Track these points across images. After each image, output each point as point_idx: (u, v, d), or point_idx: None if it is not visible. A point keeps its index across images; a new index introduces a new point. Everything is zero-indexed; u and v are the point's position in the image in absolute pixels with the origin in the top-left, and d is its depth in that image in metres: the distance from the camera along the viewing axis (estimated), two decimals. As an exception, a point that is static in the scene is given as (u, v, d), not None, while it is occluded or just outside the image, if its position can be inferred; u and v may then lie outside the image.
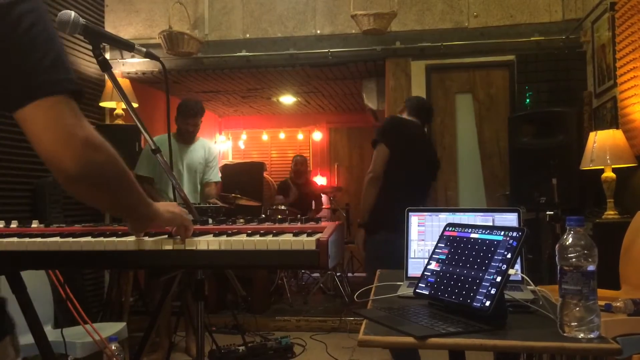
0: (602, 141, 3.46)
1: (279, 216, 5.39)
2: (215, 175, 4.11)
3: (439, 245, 1.52)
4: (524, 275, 1.51)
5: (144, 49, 1.72)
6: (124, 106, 4.76)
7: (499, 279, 1.28)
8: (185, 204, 1.88)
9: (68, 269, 3.46)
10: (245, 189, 6.00)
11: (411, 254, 1.87)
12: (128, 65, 5.20)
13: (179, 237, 1.29)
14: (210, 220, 1.53)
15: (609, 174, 3.48)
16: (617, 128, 3.57)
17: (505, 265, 1.29)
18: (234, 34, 5.08)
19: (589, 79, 4.39)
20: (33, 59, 0.98)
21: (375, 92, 5.75)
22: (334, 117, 8.75)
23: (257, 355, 3.85)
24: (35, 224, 1.53)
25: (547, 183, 3.63)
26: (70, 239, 1.33)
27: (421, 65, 4.89)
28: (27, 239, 1.36)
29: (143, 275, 4.39)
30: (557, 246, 1.18)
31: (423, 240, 1.86)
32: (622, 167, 3.47)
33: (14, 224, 1.54)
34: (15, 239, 1.37)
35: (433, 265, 1.48)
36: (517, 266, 1.62)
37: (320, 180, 8.53)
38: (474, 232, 1.44)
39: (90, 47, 1.56)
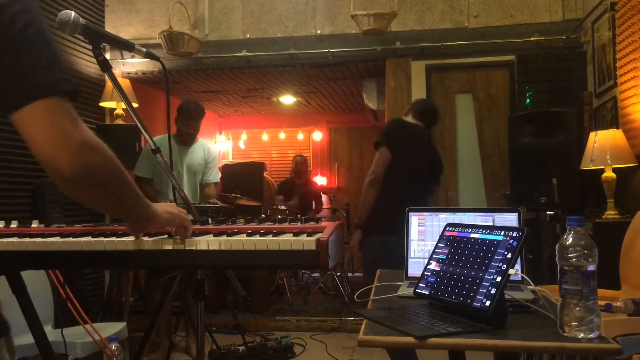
0: (602, 141, 3.46)
1: (279, 216, 5.39)
2: (215, 176, 4.11)
3: (439, 245, 1.52)
4: (524, 275, 1.51)
5: (144, 49, 1.72)
6: (124, 106, 4.76)
7: (499, 278, 1.28)
8: (185, 204, 1.89)
9: (68, 269, 3.45)
10: (245, 189, 6.00)
11: (411, 254, 1.87)
12: (128, 65, 5.20)
13: (178, 237, 1.29)
14: (210, 220, 1.53)
15: (609, 174, 3.47)
16: (617, 128, 3.57)
17: (505, 265, 1.29)
18: (234, 34, 5.08)
19: (589, 79, 4.39)
20: (28, 60, 0.97)
21: (375, 92, 5.75)
22: (334, 117, 8.75)
23: (257, 355, 3.85)
24: (35, 224, 1.53)
25: (547, 183, 3.63)
26: (71, 239, 1.33)
27: (421, 65, 4.89)
28: (27, 239, 1.36)
29: (143, 275, 4.39)
30: (557, 246, 1.18)
31: (423, 240, 1.86)
32: (622, 167, 3.47)
33: (14, 224, 1.54)
34: (15, 239, 1.37)
35: (433, 265, 1.48)
36: (517, 266, 1.62)
37: (320, 180, 8.53)
38: (474, 232, 1.44)
39: (90, 47, 1.56)
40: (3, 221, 1.55)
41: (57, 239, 1.34)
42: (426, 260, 1.53)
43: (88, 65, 4.84)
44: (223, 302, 5.30)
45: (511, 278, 1.32)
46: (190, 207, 1.85)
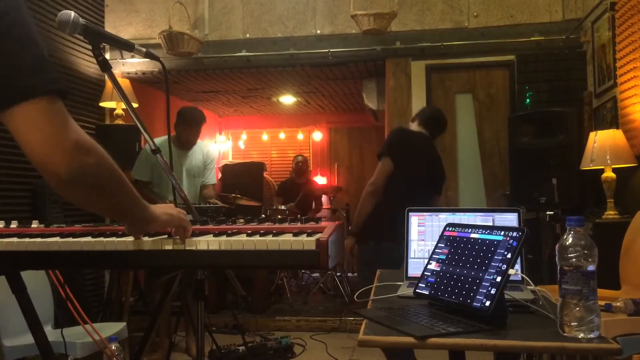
0: (602, 141, 3.46)
1: (279, 216, 5.39)
2: (213, 178, 4.12)
3: (439, 245, 1.52)
4: (524, 275, 1.51)
5: (144, 49, 1.72)
6: (124, 106, 4.76)
7: (499, 279, 1.28)
8: (185, 205, 1.89)
9: (68, 269, 3.45)
10: (245, 189, 6.00)
11: (411, 254, 1.87)
12: (128, 65, 5.20)
13: (178, 237, 1.29)
14: (209, 220, 1.53)
15: (609, 174, 3.47)
16: (617, 128, 3.57)
17: (505, 265, 1.29)
18: (234, 34, 5.08)
19: (589, 79, 4.39)
20: (14, 61, 0.96)
21: (375, 92, 5.75)
22: (334, 117, 8.75)
23: (257, 355, 3.85)
24: (35, 224, 1.53)
25: (547, 183, 3.63)
26: (70, 239, 1.33)
27: (421, 65, 4.89)
28: (27, 239, 1.36)
29: (143, 275, 4.39)
30: (557, 246, 1.18)
31: (423, 240, 1.86)
32: (622, 167, 3.47)
33: (14, 224, 1.54)
34: (15, 239, 1.37)
35: (433, 265, 1.48)
36: (517, 266, 1.62)
37: (320, 180, 8.53)
38: (474, 232, 1.44)
39: (90, 47, 1.56)
40: (3, 221, 1.55)
41: (57, 239, 1.34)
42: (426, 261, 1.53)
43: (88, 65, 4.84)
44: (223, 302, 5.30)
45: (511, 278, 1.32)
46: (190, 208, 1.85)
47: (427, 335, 1.16)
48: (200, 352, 1.95)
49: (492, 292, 1.26)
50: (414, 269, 1.82)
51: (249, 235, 1.29)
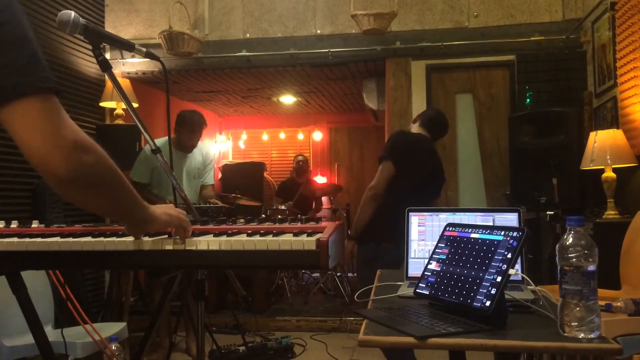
0: (602, 141, 3.46)
1: (279, 216, 5.39)
2: (211, 178, 4.13)
3: (439, 245, 1.52)
4: (524, 275, 1.51)
5: (144, 49, 1.72)
6: (124, 106, 4.76)
7: (499, 278, 1.28)
8: (186, 205, 1.89)
9: (68, 269, 3.45)
10: (245, 189, 6.01)
11: (411, 254, 1.87)
12: (128, 65, 5.20)
13: (178, 237, 1.29)
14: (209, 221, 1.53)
15: (609, 173, 3.47)
16: (618, 128, 3.57)
17: (505, 265, 1.29)
18: (234, 34, 5.08)
19: (589, 79, 4.39)
20: (6, 59, 0.95)
21: (375, 92, 5.75)
22: (334, 117, 8.75)
23: (257, 355, 3.85)
24: (35, 224, 1.53)
25: (547, 183, 3.63)
26: (71, 239, 1.33)
27: (421, 65, 4.89)
28: (27, 239, 1.36)
29: (143, 275, 4.39)
30: (557, 246, 1.18)
31: (423, 240, 1.86)
32: (623, 167, 3.47)
33: (14, 224, 1.54)
34: (15, 239, 1.37)
35: (433, 265, 1.48)
36: (518, 266, 1.62)
37: (320, 180, 8.52)
38: (474, 232, 1.44)
39: (90, 47, 1.56)
40: (3, 221, 1.55)
41: (57, 239, 1.34)
42: (426, 260, 1.53)
43: (88, 65, 4.84)
44: (223, 302, 5.31)
45: (511, 278, 1.31)
46: (190, 208, 1.85)
47: (428, 335, 1.16)
48: (200, 352, 1.95)
49: (493, 292, 1.26)
50: (414, 269, 1.82)
51: (249, 235, 1.29)
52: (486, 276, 1.31)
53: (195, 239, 1.28)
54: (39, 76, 0.98)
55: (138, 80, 5.48)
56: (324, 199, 7.25)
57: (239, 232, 1.32)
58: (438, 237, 1.55)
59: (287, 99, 7.40)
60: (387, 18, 4.46)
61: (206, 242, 1.26)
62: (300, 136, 8.89)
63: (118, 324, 3.21)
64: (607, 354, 1.12)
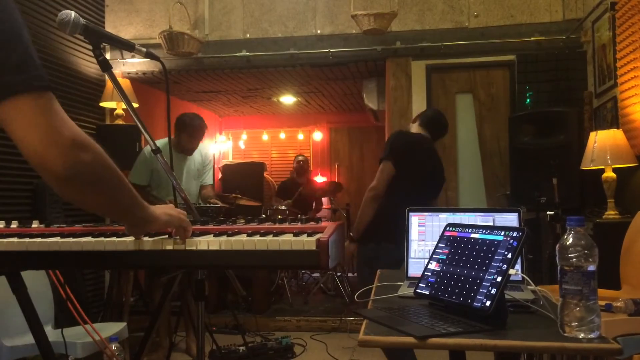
0: (602, 141, 3.46)
1: (279, 216, 5.39)
2: (211, 178, 4.13)
3: (439, 245, 1.52)
4: (524, 275, 1.51)
5: (144, 49, 1.72)
6: (124, 106, 4.76)
7: (499, 279, 1.28)
8: (186, 205, 1.89)
9: (68, 269, 3.45)
10: (245, 189, 6.01)
11: (411, 254, 1.87)
12: (128, 65, 5.20)
13: (178, 237, 1.29)
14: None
15: (609, 173, 3.47)
16: (618, 128, 3.57)
17: (505, 265, 1.29)
18: (234, 34, 5.08)
19: (590, 79, 4.39)
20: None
21: (375, 92, 5.74)
22: (334, 117, 8.75)
23: (257, 356, 3.85)
24: (35, 224, 1.53)
25: (547, 183, 3.63)
26: (71, 239, 1.33)
27: (421, 65, 4.88)
28: (27, 239, 1.36)
29: (143, 275, 4.39)
30: (557, 246, 1.18)
31: (423, 240, 1.86)
32: (623, 167, 3.47)
33: (14, 224, 1.54)
34: (15, 239, 1.37)
35: (433, 265, 1.48)
36: (518, 266, 1.62)
37: (320, 180, 8.52)
38: (475, 232, 1.44)
39: (90, 47, 1.56)
40: (3, 221, 1.55)
41: (58, 239, 1.34)
42: (426, 261, 1.53)
43: (88, 65, 4.84)
44: (223, 302, 5.31)
45: (511, 278, 1.31)
46: (190, 208, 1.85)
47: (428, 335, 1.16)
48: (200, 352, 1.95)
49: (493, 292, 1.26)
50: (414, 269, 1.82)
51: (249, 235, 1.29)
52: (486, 276, 1.31)
53: (195, 239, 1.28)
54: (32, 74, 0.97)
55: (138, 80, 5.48)
56: (324, 199, 7.25)
57: (239, 232, 1.32)
58: (438, 237, 1.55)
59: (287, 99, 7.40)
60: (387, 18, 4.46)
61: (206, 242, 1.26)
62: (301, 136, 8.89)
63: (118, 324, 3.20)
64: (607, 354, 1.12)
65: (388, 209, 2.94)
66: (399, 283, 1.76)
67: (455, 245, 1.47)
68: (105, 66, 1.59)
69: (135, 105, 4.26)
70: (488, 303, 1.25)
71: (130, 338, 3.32)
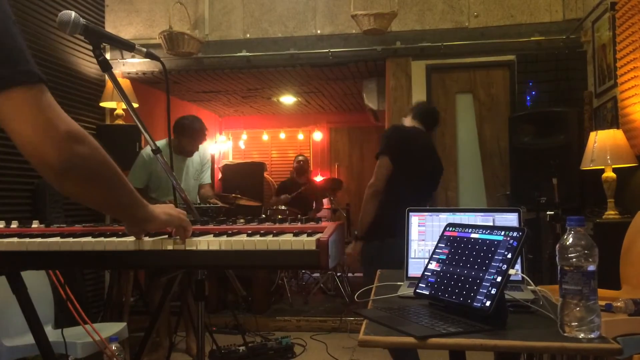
0: (602, 141, 3.46)
1: (279, 216, 5.39)
2: (209, 177, 4.14)
3: (439, 245, 1.52)
4: (524, 275, 1.51)
5: (144, 49, 1.72)
6: (124, 106, 4.76)
7: (499, 279, 1.28)
8: (186, 205, 1.89)
9: (68, 269, 3.45)
10: (245, 189, 6.01)
11: (411, 254, 1.87)
12: (128, 66, 5.20)
13: (178, 237, 1.29)
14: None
15: (609, 173, 3.47)
16: (618, 128, 3.57)
17: (505, 265, 1.29)
18: (234, 34, 5.08)
19: (590, 79, 4.39)
20: None
21: (375, 92, 5.74)
22: (334, 117, 8.75)
23: (257, 356, 3.85)
24: (35, 224, 1.53)
25: (547, 183, 3.63)
26: (71, 239, 1.33)
27: (421, 65, 4.88)
28: (27, 239, 1.36)
29: (143, 275, 4.39)
30: (557, 246, 1.18)
31: (423, 240, 1.86)
32: (623, 167, 3.47)
33: (14, 224, 1.54)
34: (15, 239, 1.37)
35: (433, 265, 1.48)
36: (518, 266, 1.62)
37: (320, 179, 8.52)
38: (475, 232, 1.44)
39: (90, 47, 1.56)
40: (3, 221, 1.55)
41: (58, 239, 1.34)
42: (426, 261, 1.53)
43: (88, 65, 4.84)
44: (223, 302, 5.31)
45: (511, 278, 1.31)
46: (190, 208, 1.85)
47: (428, 335, 1.16)
48: (200, 352, 1.95)
49: (493, 292, 1.26)
50: (415, 269, 1.82)
51: (249, 235, 1.29)
52: (486, 276, 1.31)
53: (195, 239, 1.28)
54: (23, 68, 0.97)
55: (138, 81, 5.48)
56: (324, 199, 7.25)
57: (239, 232, 1.32)
58: (438, 237, 1.55)
59: (287, 99, 7.40)
60: (387, 18, 4.46)
61: (206, 242, 1.26)
62: (301, 136, 8.89)
63: (118, 324, 3.21)
64: (607, 354, 1.12)
65: (389, 205, 2.95)
66: (399, 283, 1.76)
67: (455, 245, 1.47)
68: (105, 66, 1.59)
69: (135, 105, 4.26)
70: (488, 303, 1.25)
71: (130, 338, 3.32)
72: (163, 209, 1.28)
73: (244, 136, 9.02)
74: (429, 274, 1.47)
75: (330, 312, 5.23)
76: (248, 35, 5.06)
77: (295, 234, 1.26)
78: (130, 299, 4.23)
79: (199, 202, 3.92)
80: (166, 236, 1.31)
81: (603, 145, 3.45)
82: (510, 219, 1.79)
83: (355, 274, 6.67)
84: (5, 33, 0.97)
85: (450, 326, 1.23)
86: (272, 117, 8.86)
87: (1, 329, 2.62)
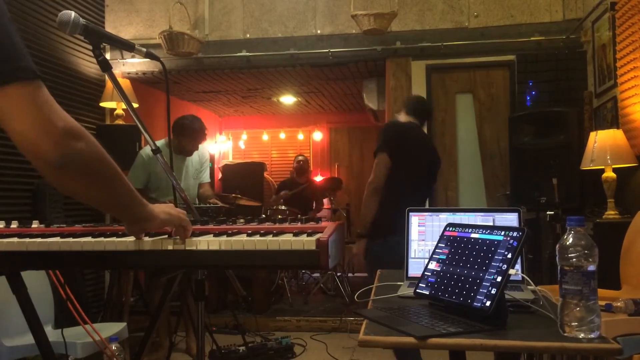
0: (602, 141, 3.46)
1: (279, 216, 5.39)
2: (208, 176, 4.14)
3: (439, 245, 1.52)
4: (524, 275, 1.51)
5: (144, 49, 1.72)
6: (124, 106, 4.76)
7: (499, 279, 1.28)
8: (186, 205, 1.89)
9: (68, 269, 3.45)
10: (245, 189, 6.01)
11: (411, 254, 1.87)
12: (128, 66, 5.20)
13: (178, 237, 1.29)
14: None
15: (609, 173, 3.47)
16: (618, 128, 3.57)
17: (505, 265, 1.29)
18: (234, 34, 5.08)
19: (590, 79, 4.39)
20: None
21: (375, 92, 5.74)
22: (334, 117, 8.75)
23: (257, 356, 3.85)
24: (35, 224, 1.53)
25: (547, 183, 3.63)
26: (71, 239, 1.33)
27: (421, 65, 4.89)
28: (27, 239, 1.36)
29: (143, 275, 4.39)
30: (557, 246, 1.18)
31: (423, 240, 1.86)
32: (623, 167, 3.47)
33: (14, 224, 1.54)
34: (15, 239, 1.37)
35: (433, 265, 1.48)
36: (518, 266, 1.62)
37: (319, 179, 8.53)
38: (475, 232, 1.44)
39: (90, 47, 1.56)
40: (3, 221, 1.55)
41: (58, 239, 1.34)
42: (426, 261, 1.53)
43: (88, 65, 4.84)
44: (223, 302, 5.30)
45: (511, 278, 1.31)
46: (190, 208, 1.85)
47: (428, 335, 1.16)
48: (200, 352, 1.95)
49: (493, 292, 1.26)
50: (415, 269, 1.82)
51: (249, 235, 1.28)
52: (486, 276, 1.31)
53: (195, 239, 1.28)
54: (19, 64, 0.97)
55: (138, 81, 5.48)
56: (325, 199, 7.25)
57: (239, 232, 1.32)
58: (438, 237, 1.55)
59: (287, 99, 7.40)
60: (387, 18, 4.46)
61: (206, 242, 1.26)
62: (301, 136, 8.89)
63: (118, 324, 3.20)
64: (607, 354, 1.11)
65: (390, 201, 2.96)
66: (399, 283, 1.76)
67: (455, 245, 1.47)
68: (105, 66, 1.59)
69: (135, 105, 4.26)
70: (488, 303, 1.25)
71: (130, 338, 3.32)
72: (163, 209, 1.28)
73: (244, 136, 9.02)
74: (429, 274, 1.47)
75: (330, 312, 5.23)
76: (248, 35, 5.06)
77: (295, 234, 1.26)
78: (130, 299, 4.23)
79: (198, 201, 3.92)
80: (166, 236, 1.31)
81: (603, 145, 3.45)
82: (510, 219, 1.79)
83: (356, 274, 6.68)
84: (1, 30, 0.97)
85: (450, 326, 1.23)
86: (272, 117, 8.86)
87: (1, 329, 2.62)
